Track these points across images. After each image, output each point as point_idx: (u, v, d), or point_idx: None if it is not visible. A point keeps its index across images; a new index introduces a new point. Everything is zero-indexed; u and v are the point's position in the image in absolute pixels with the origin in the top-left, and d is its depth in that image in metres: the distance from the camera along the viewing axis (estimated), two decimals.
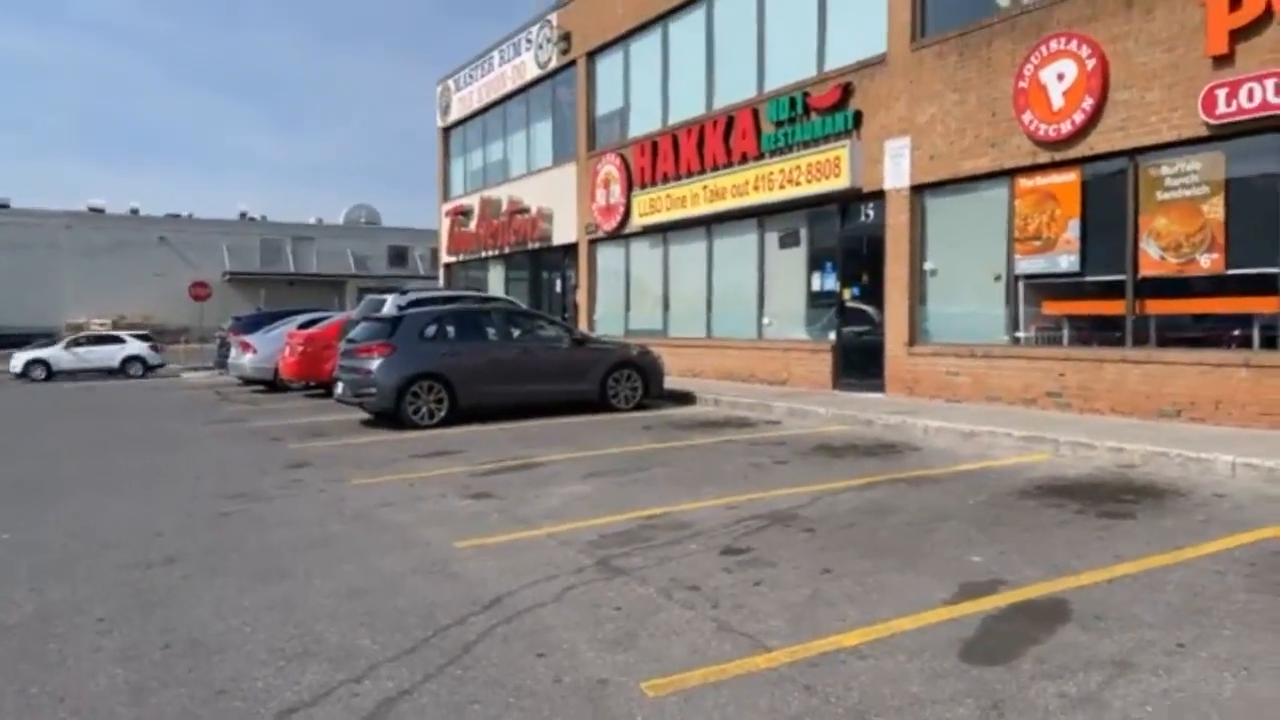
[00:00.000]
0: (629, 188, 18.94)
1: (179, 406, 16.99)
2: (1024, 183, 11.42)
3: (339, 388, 12.80)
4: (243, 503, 7.41)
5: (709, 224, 17.00)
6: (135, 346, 29.55)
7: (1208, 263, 9.62)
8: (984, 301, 12.05)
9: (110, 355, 29.03)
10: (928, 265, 12.85)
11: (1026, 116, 11.16)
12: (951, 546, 5.56)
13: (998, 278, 11.83)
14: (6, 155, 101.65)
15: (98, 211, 54.71)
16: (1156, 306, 10.23)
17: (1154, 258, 10.07)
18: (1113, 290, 10.55)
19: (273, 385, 18.98)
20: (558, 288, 23.31)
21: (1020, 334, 11.65)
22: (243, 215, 59.47)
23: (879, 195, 13.36)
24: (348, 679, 3.74)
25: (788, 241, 15.46)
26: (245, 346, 19.70)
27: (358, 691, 3.62)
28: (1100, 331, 10.82)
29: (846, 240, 14.20)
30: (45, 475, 9.14)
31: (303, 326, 18.12)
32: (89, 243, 51.63)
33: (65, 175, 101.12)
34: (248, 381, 20.29)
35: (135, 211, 56.07)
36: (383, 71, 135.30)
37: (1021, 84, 11.20)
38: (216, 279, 48.59)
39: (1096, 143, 10.48)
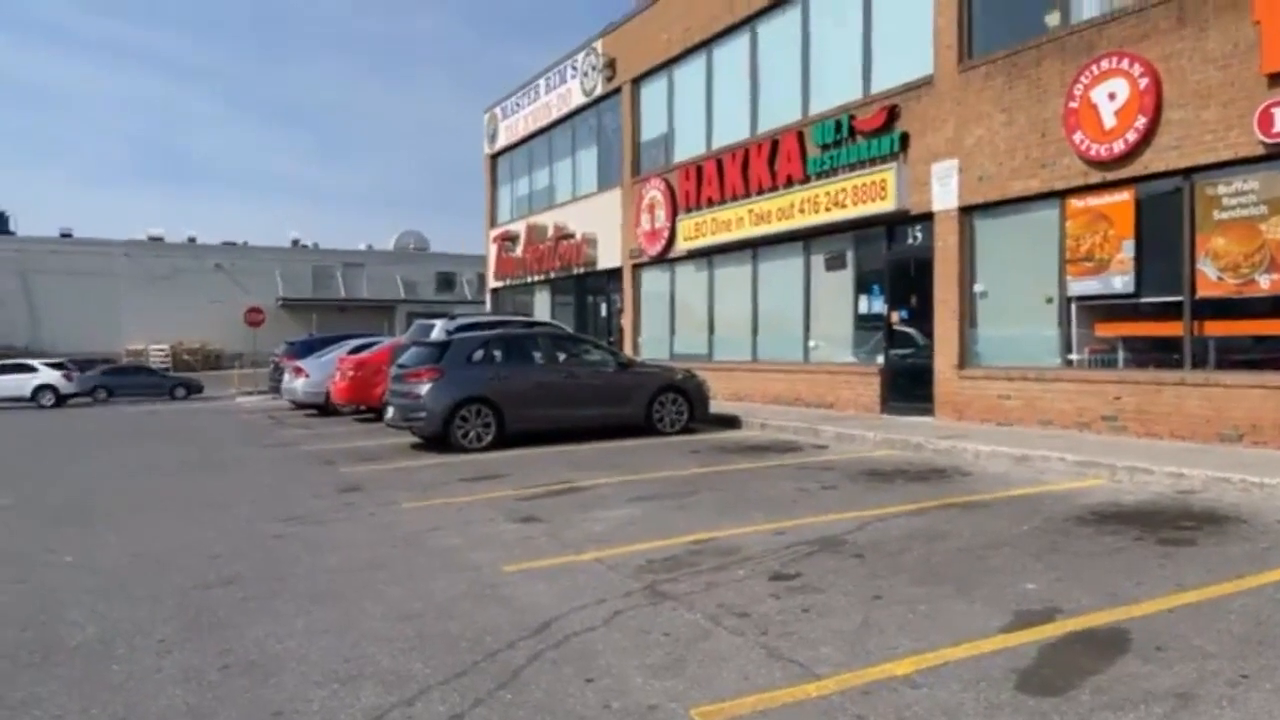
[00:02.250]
0: (673, 212, 19.03)
1: (234, 431, 17.36)
2: (1075, 203, 11.27)
3: (389, 412, 12.99)
4: (297, 525, 7.54)
5: (754, 247, 17.00)
6: (47, 375, 28.56)
7: (1267, 283, 9.38)
8: (1035, 324, 11.87)
9: (21, 385, 28.05)
10: (977, 287, 12.70)
11: (1077, 136, 11.02)
12: (1005, 574, 5.46)
13: (1049, 299, 11.65)
14: (70, 186, 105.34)
15: (157, 240, 56.36)
16: (1215, 328, 9.99)
17: (1212, 278, 9.85)
18: (1169, 311, 10.33)
19: (324, 409, 19.30)
20: (603, 312, 23.44)
21: (1073, 356, 11.45)
22: (295, 242, 60.86)
23: (927, 217, 13.26)
24: (400, 702, 3.78)
25: (834, 264, 15.39)
26: (298, 371, 20.09)
27: (410, 715, 3.65)
28: (1157, 353, 10.60)
29: (894, 263, 14.10)
30: (107, 498, 9.39)
31: (353, 351, 18.44)
32: (148, 270, 53.16)
33: (125, 205, 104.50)
34: (300, 406, 20.66)
35: (192, 240, 57.69)
36: (430, 100, 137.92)
37: (1072, 104, 11.08)
38: (270, 305, 49.67)
39: (1150, 162, 10.31)
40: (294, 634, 4.70)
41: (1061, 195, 11.42)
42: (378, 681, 4.01)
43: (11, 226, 58.26)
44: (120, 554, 6.68)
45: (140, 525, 7.80)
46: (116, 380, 30.47)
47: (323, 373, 19.06)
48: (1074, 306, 11.43)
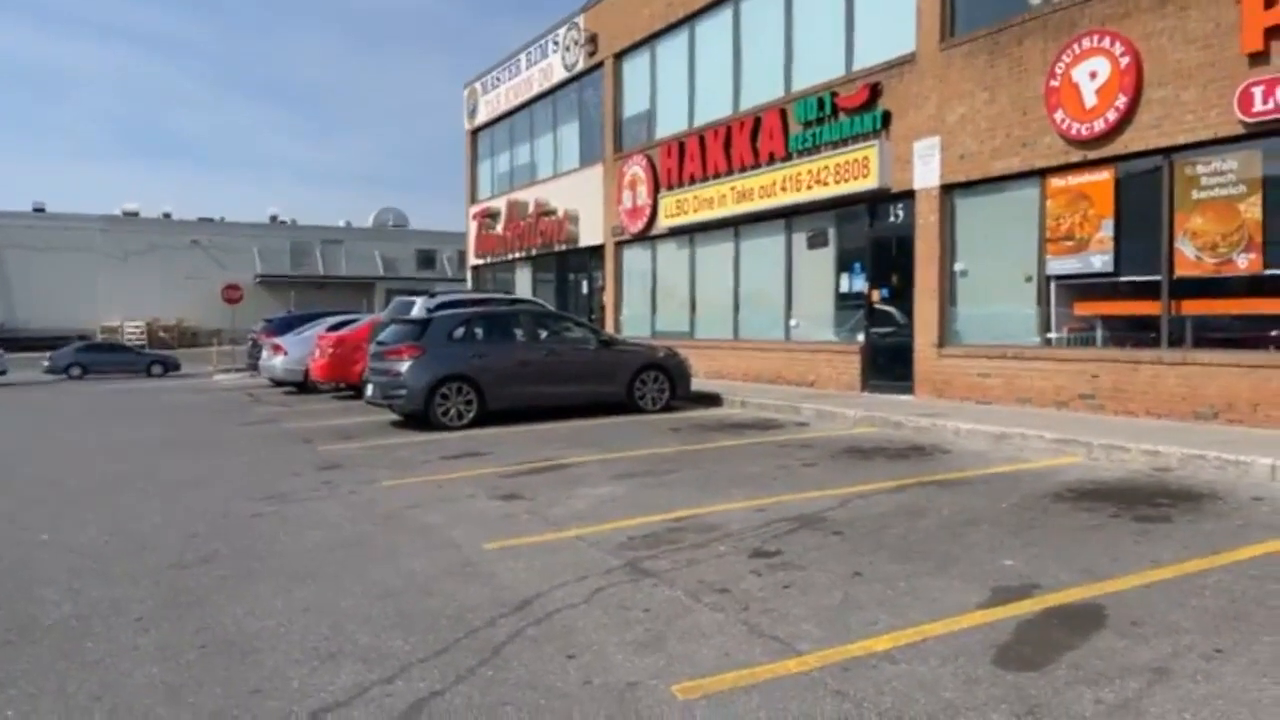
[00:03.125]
0: (655, 189, 18.95)
1: (212, 408, 17.21)
2: (1056, 182, 11.30)
3: (369, 389, 12.91)
4: (275, 504, 7.49)
5: (736, 225, 16.96)
6: None
7: (1245, 263, 9.46)
8: (1015, 302, 11.93)
9: None
10: (958, 266, 12.74)
11: (1058, 115, 11.03)
12: (984, 550, 5.50)
13: (1029, 278, 11.71)
14: (44, 159, 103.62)
15: (132, 215, 55.59)
16: (1193, 307, 10.07)
17: (1190, 258, 9.92)
18: (1147, 290, 10.41)
19: (303, 387, 19.18)
20: (584, 289, 23.37)
21: (1052, 335, 11.52)
22: (273, 218, 60.22)
23: (908, 195, 13.26)
24: (380, 679, 3.77)
25: (815, 242, 15.38)
26: (276, 349, 19.91)
27: (390, 692, 3.64)
28: (1134, 332, 10.68)
29: (875, 241, 14.11)
30: (82, 476, 9.29)
31: (332, 329, 18.28)
32: (123, 246, 52.49)
33: (101, 179, 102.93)
34: (278, 383, 20.50)
35: (168, 215, 56.94)
36: (410, 75, 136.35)
37: (1053, 82, 11.08)
38: (248, 281, 49.15)
39: (1130, 141, 10.34)
40: (273, 612, 4.67)
41: (1042, 174, 11.45)
42: (358, 659, 4.00)
43: None
44: (97, 532, 6.61)
45: (117, 503, 7.73)
46: (91, 358, 30.11)
47: (301, 350, 18.90)
48: (1053, 285, 11.49)
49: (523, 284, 26.30)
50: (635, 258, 20.73)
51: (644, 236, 19.74)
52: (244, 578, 5.32)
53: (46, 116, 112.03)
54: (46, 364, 29.71)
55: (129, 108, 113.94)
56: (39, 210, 53.35)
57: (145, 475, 9.20)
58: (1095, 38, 10.61)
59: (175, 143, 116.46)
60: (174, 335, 48.81)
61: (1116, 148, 10.50)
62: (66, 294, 49.80)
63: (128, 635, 4.39)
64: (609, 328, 20.39)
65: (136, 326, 49.72)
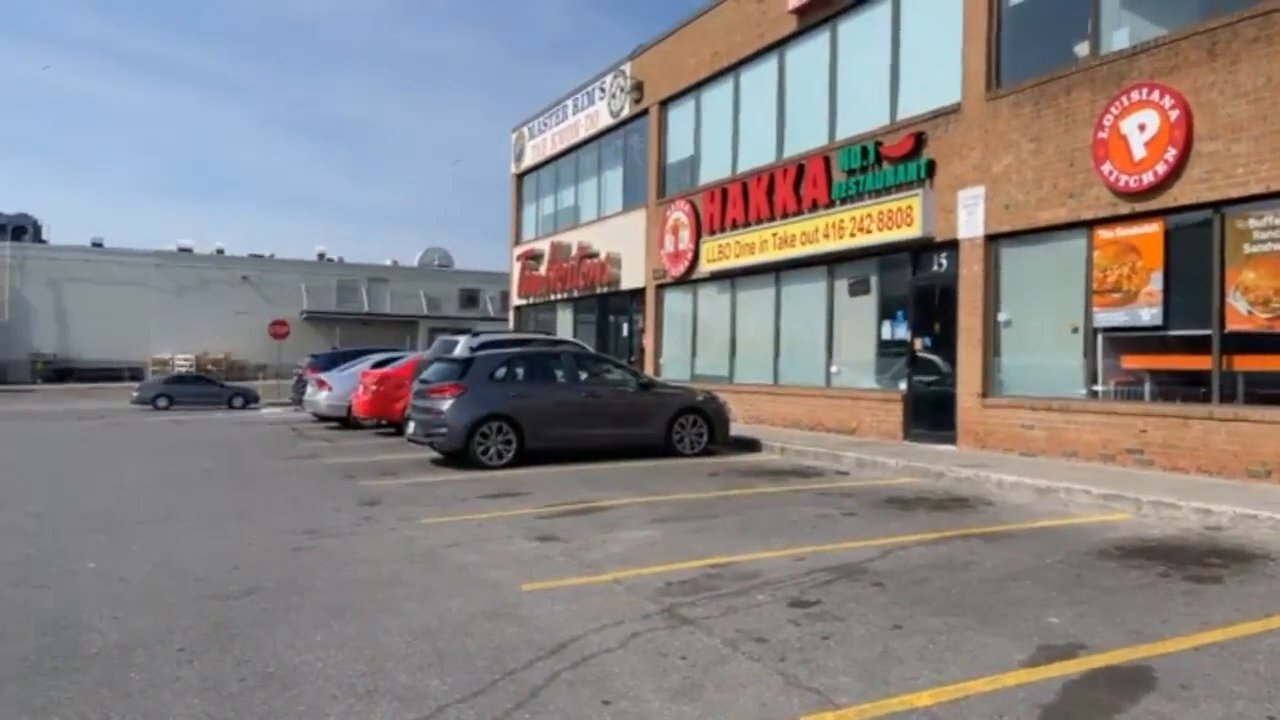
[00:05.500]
0: (698, 234, 19.08)
1: (257, 442, 17.48)
2: (1103, 234, 11.20)
3: (410, 427, 13.05)
4: (317, 539, 7.57)
5: (777, 271, 17.00)
6: None
7: None
8: (1061, 354, 11.78)
9: None
10: (1002, 316, 12.63)
11: (1106, 167, 10.97)
12: (1028, 606, 5.39)
13: (1075, 330, 11.56)
14: (101, 197, 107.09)
15: (186, 251, 57.09)
16: (1245, 362, 9.87)
17: (1242, 312, 9.74)
18: (1198, 345, 10.22)
19: (346, 422, 19.42)
20: (624, 331, 23.49)
21: (1099, 388, 11.34)
22: (321, 256, 61.47)
23: (952, 245, 13.22)
24: (417, 719, 3.78)
25: (858, 290, 15.36)
26: (321, 384, 20.23)
27: None
28: (1185, 387, 10.47)
29: (918, 289, 14.05)
30: (129, 507, 9.47)
31: (376, 366, 18.55)
32: (177, 281, 53.86)
33: (155, 217, 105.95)
34: (322, 418, 20.79)
35: (220, 251, 58.39)
36: (458, 119, 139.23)
37: (1101, 134, 11.04)
38: (295, 317, 50.17)
39: (1180, 194, 10.24)
40: (312, 647, 4.71)
41: (1089, 225, 11.36)
42: (394, 697, 4.01)
43: (44, 236, 59.19)
44: (143, 562, 6.73)
45: (163, 535, 7.87)
46: (177, 389, 30.80)
47: (345, 386, 19.19)
48: (1100, 337, 11.34)
49: (564, 325, 26.51)
50: (676, 301, 20.83)
51: (685, 280, 19.85)
52: (284, 611, 5.38)
53: (105, 154, 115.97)
54: (135, 395, 30.51)
55: (183, 146, 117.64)
56: (97, 245, 55.06)
57: (191, 507, 9.36)
58: (1144, 90, 10.57)
59: (227, 182, 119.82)
60: (222, 368, 49.75)
61: (1166, 200, 10.40)
62: (120, 327, 51.09)
63: (170, 666, 4.45)
64: (648, 370, 20.43)
65: (187, 359, 50.80)
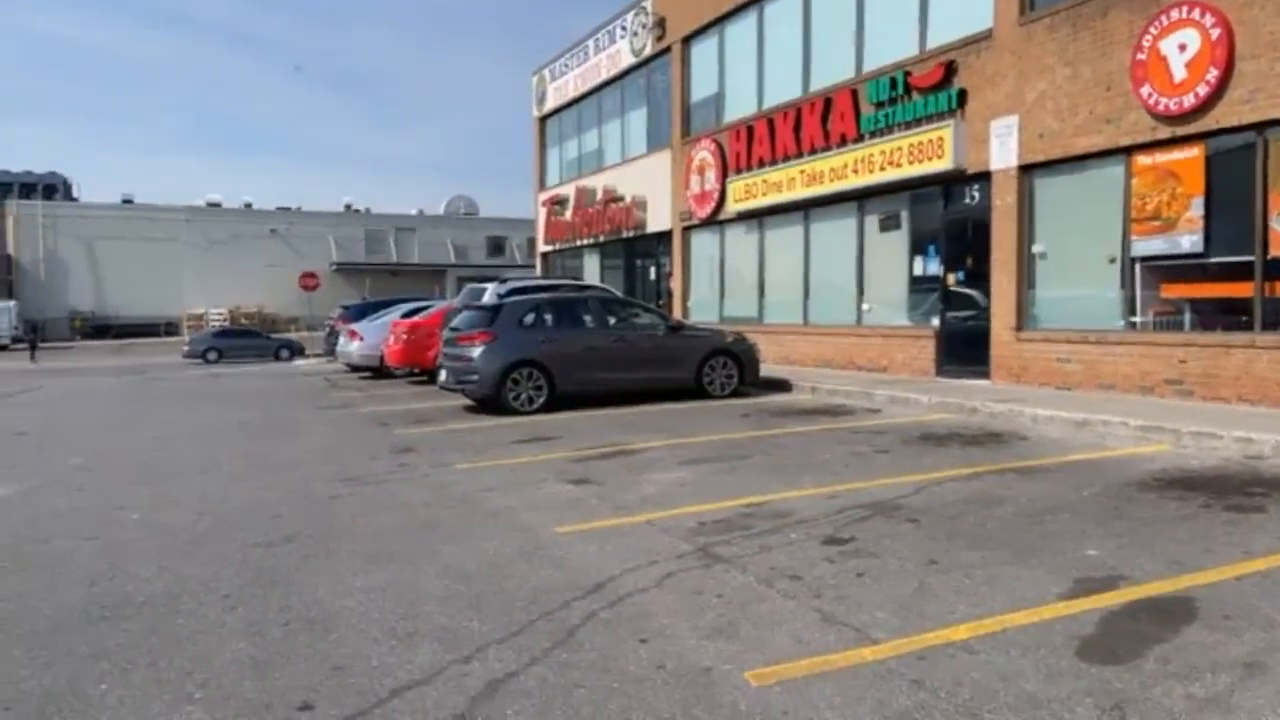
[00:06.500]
0: (724, 174, 18.81)
1: (292, 393, 17.70)
2: (1142, 160, 10.88)
3: (442, 375, 13.13)
4: (354, 486, 7.68)
5: (806, 209, 16.75)
6: None
7: None
8: (1097, 285, 11.54)
9: None
10: (1037, 248, 12.37)
11: (1145, 90, 10.61)
12: (1065, 539, 5.35)
13: (1112, 260, 11.31)
14: (130, 153, 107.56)
15: (215, 206, 57.39)
16: None
17: None
18: (1239, 272, 9.97)
19: (379, 372, 19.60)
20: (652, 275, 23.36)
21: (1137, 319, 11.12)
22: (348, 207, 61.57)
23: (984, 176, 12.92)
24: (456, 659, 3.84)
25: (888, 225, 15.11)
26: (353, 335, 20.39)
27: (466, 672, 3.71)
28: (1225, 315, 10.24)
29: (950, 223, 13.79)
30: (169, 458, 9.65)
31: (406, 315, 18.62)
32: (206, 236, 54.28)
33: (183, 172, 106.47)
34: (355, 368, 21.00)
35: (249, 205, 58.63)
36: (478, 64, 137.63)
37: (1140, 56, 10.65)
38: (324, 269, 50.46)
39: (1222, 116, 9.89)
40: (352, 591, 4.79)
41: (1127, 152, 11.03)
42: (434, 639, 4.07)
43: (75, 194, 59.71)
44: (186, 512, 6.86)
45: (204, 485, 8.01)
46: (226, 343, 31.42)
47: (377, 336, 19.31)
48: (1138, 267, 11.09)
49: (591, 270, 26.42)
50: (703, 243, 20.64)
51: (712, 221, 19.63)
52: (324, 557, 5.47)
53: (132, 110, 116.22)
54: (185, 349, 31.19)
55: (206, 101, 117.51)
56: (127, 202, 55.47)
57: (230, 458, 9.52)
58: (1184, 9, 10.16)
59: (254, 135, 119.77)
60: (255, 322, 50.31)
61: (1207, 123, 10.06)
62: (153, 282, 51.74)
63: (216, 612, 4.55)
64: (676, 313, 20.35)
65: (220, 313, 51.40)
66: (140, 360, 32.26)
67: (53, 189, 59.79)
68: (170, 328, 51.41)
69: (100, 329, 51.00)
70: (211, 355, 30.13)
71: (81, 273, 52.15)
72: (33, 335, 36.76)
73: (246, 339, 32.68)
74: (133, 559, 5.57)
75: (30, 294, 49.78)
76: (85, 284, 52.16)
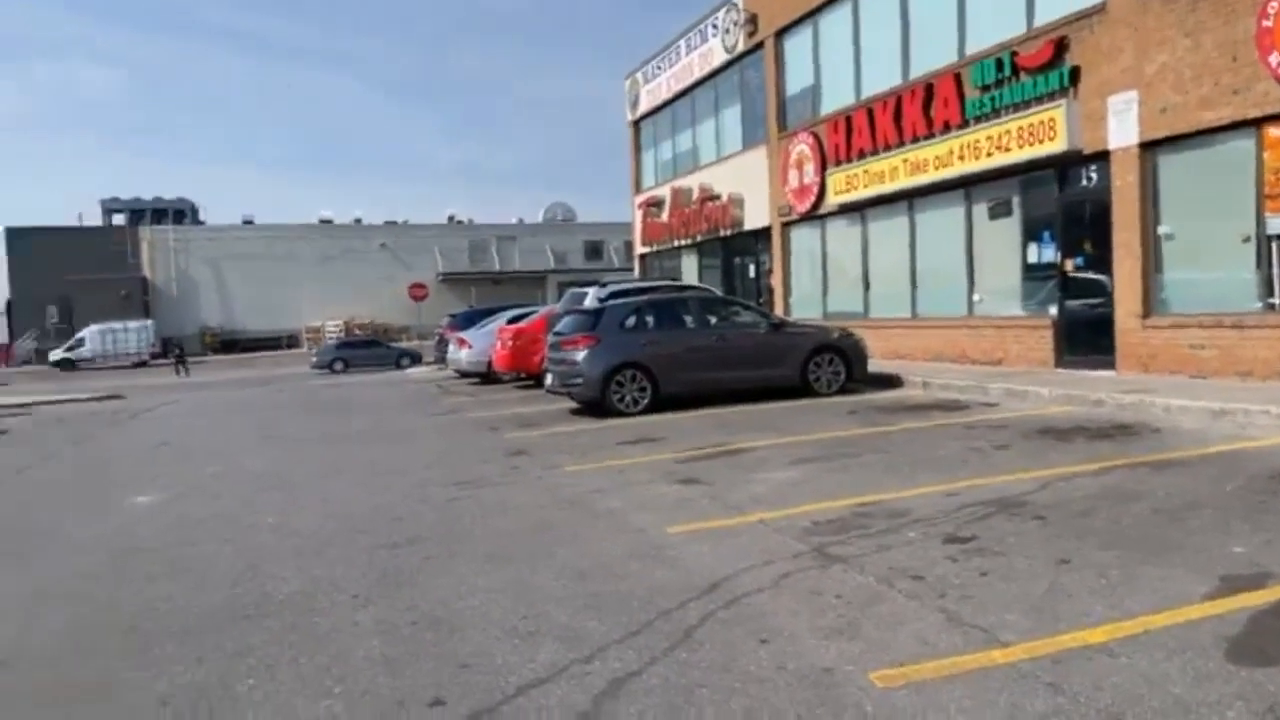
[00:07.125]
0: (823, 166, 18.52)
1: (405, 400, 18.29)
2: (1274, 132, 10.20)
3: (548, 379, 13.35)
4: (469, 489, 7.87)
5: (910, 198, 16.34)
6: None
7: None
8: (1231, 266, 10.89)
9: None
10: (1162, 229, 11.75)
11: (1274, 58, 9.95)
12: (1207, 536, 5.07)
13: (1246, 239, 10.65)
14: (247, 176, 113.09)
15: (327, 223, 59.87)
16: None
17: None
18: None
19: (487, 377, 20.06)
20: (751, 273, 23.18)
21: (1276, 300, 10.44)
22: (451, 219, 63.29)
23: (1102, 156, 12.34)
24: (578, 659, 3.89)
25: (998, 212, 14.60)
26: (461, 342, 20.93)
27: (588, 671, 3.75)
28: None
29: (1066, 207, 13.23)
30: (296, 466, 10.10)
31: (511, 321, 19.00)
32: (321, 251, 56.62)
33: (295, 191, 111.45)
34: (464, 375, 21.56)
35: (358, 221, 60.93)
36: (572, 73, 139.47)
37: (1265, 23, 10.00)
38: (431, 280, 52.00)
39: None
40: (474, 591, 4.91)
41: (1257, 124, 10.36)
42: (556, 639, 4.14)
43: (201, 217, 63.18)
44: (314, 516, 7.16)
45: (330, 490, 8.35)
46: (351, 353, 33.01)
47: (484, 343, 19.77)
48: (1275, 245, 10.40)
49: (689, 270, 26.39)
50: (803, 238, 20.37)
51: (812, 215, 19.35)
52: (446, 559, 5.63)
53: (248, 136, 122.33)
54: (313, 360, 32.84)
55: (312, 121, 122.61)
56: (248, 222, 58.41)
57: (352, 464, 9.89)
58: None
59: (360, 153, 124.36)
60: (369, 333, 52.15)
61: None
62: (275, 298, 54.28)
63: (348, 611, 4.74)
64: (778, 310, 20.13)
65: (336, 325, 53.52)
66: (266, 372, 33.92)
67: (181, 214, 63.45)
68: (291, 340, 53.85)
69: (228, 344, 53.83)
70: (338, 365, 31.50)
71: (209, 291, 55.15)
72: (178, 351, 39.01)
73: (369, 349, 34.05)
74: (269, 560, 5.84)
75: (164, 313, 52.92)
76: (213, 301, 55.14)
